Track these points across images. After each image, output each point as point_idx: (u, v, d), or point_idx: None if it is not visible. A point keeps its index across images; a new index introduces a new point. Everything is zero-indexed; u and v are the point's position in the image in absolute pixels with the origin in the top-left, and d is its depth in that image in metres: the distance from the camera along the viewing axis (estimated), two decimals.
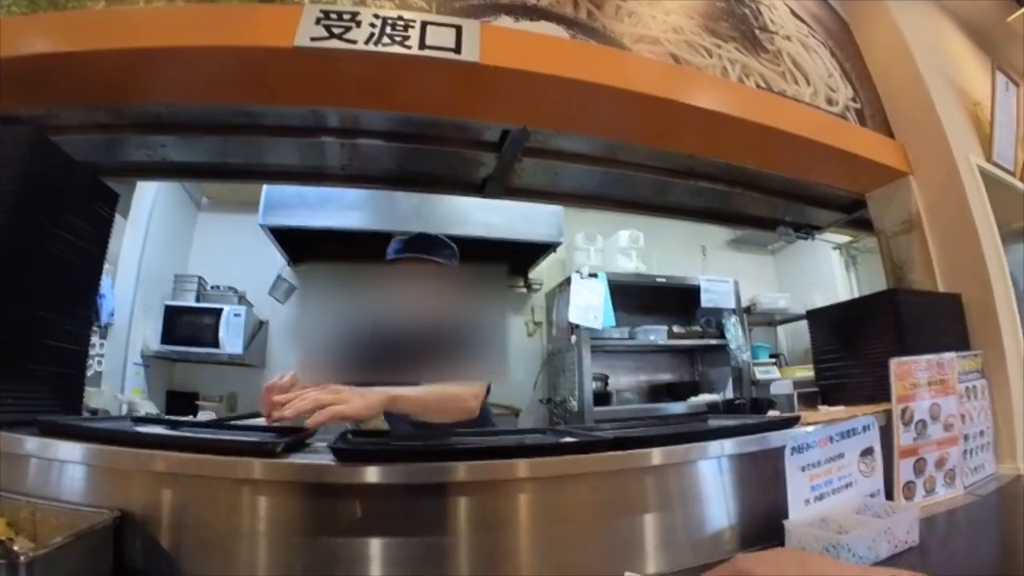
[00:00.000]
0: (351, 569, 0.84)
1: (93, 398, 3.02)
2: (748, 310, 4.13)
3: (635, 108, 1.49)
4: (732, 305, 3.79)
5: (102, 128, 1.55)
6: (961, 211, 1.86)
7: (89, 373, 3.07)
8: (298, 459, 0.93)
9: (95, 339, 3.20)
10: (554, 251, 3.65)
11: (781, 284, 4.74)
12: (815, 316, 1.91)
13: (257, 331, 3.84)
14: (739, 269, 4.35)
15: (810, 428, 1.18)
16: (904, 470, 1.31)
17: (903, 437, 1.33)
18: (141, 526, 0.88)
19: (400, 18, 1.30)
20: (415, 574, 0.85)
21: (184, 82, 1.38)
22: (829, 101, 1.97)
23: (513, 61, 1.32)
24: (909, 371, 1.37)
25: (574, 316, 3.44)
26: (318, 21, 1.27)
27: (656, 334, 3.81)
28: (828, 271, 4.38)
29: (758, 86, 1.80)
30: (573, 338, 3.53)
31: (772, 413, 1.75)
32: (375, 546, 0.86)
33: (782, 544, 1.00)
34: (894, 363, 1.35)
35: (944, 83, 2.13)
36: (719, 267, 4.40)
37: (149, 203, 3.45)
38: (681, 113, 1.52)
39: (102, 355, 3.18)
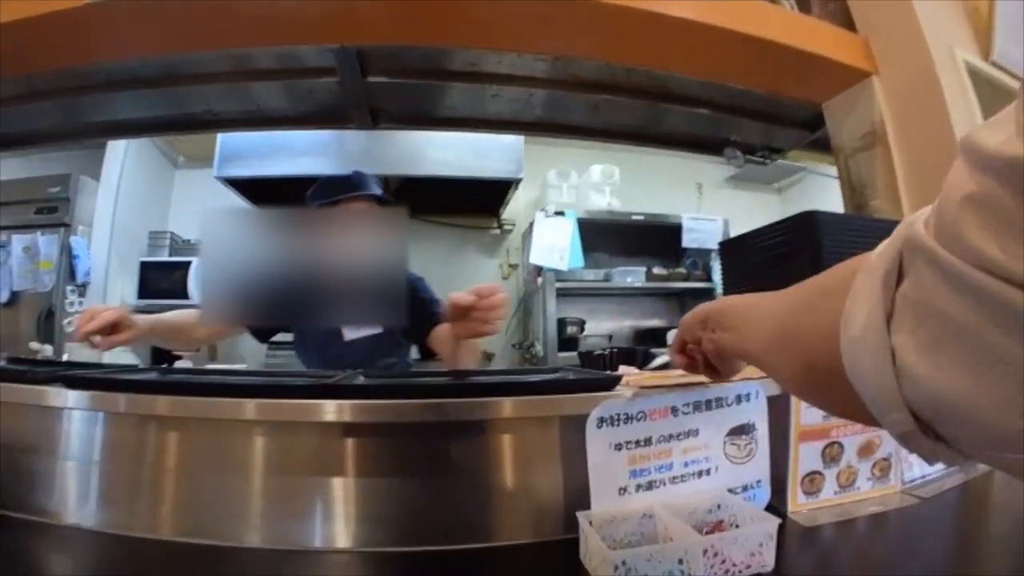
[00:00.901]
0: None
1: (75, 352, 3.15)
2: None
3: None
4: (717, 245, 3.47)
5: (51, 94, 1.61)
6: (937, 119, 1.47)
7: (69, 329, 3.21)
8: None
9: (73, 297, 3.30)
10: (515, 188, 3.45)
11: None
12: (727, 249, 1.60)
13: None
14: (739, 208, 4.01)
15: (631, 393, 0.84)
16: (806, 457, 0.98)
17: (805, 413, 0.97)
18: None
19: None
20: None
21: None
22: None
23: None
24: None
25: (536, 257, 3.26)
26: None
27: (633, 276, 3.57)
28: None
29: None
30: (540, 280, 3.34)
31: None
32: None
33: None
34: None
35: None
36: (717, 206, 4.07)
37: (119, 165, 3.53)
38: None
39: (82, 312, 3.25)
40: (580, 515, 0.75)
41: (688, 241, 3.49)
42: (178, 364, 3.55)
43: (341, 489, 0.79)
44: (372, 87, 1.63)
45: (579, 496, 0.78)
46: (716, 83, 1.69)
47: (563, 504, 0.80)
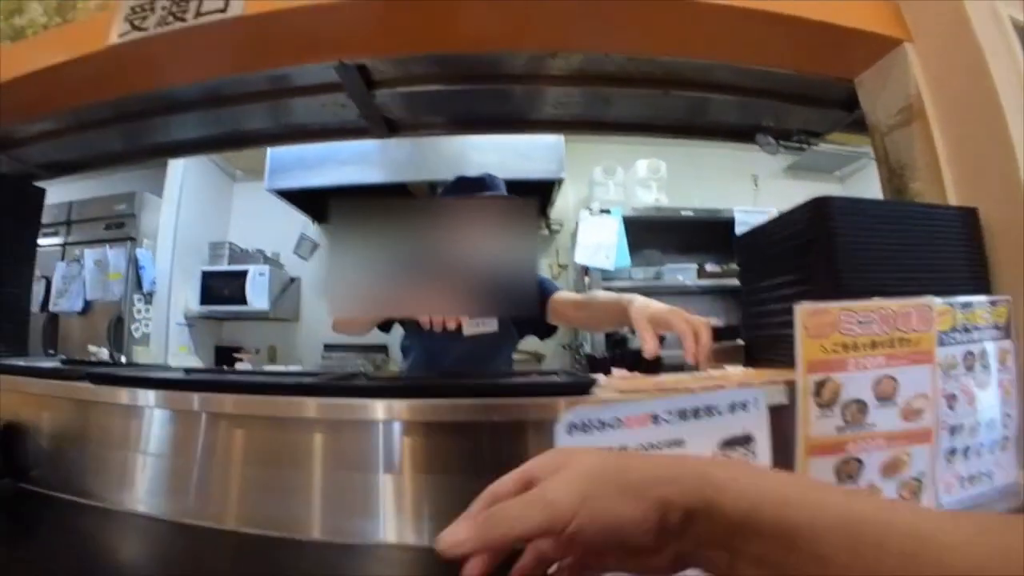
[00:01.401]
0: None
1: (142, 355, 3.42)
2: None
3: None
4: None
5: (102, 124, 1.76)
6: (980, 86, 1.25)
7: (137, 335, 3.43)
8: None
9: (140, 305, 3.52)
10: (558, 187, 3.40)
11: None
12: (744, 243, 1.44)
13: (287, 288, 4.15)
14: (798, 199, 3.64)
15: (606, 399, 0.82)
16: (817, 474, 0.87)
17: (816, 424, 0.87)
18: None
19: None
20: None
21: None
22: None
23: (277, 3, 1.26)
24: (833, 323, 0.88)
25: (581, 257, 3.19)
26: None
27: (684, 273, 3.43)
28: None
29: None
30: (587, 280, 3.26)
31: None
32: None
33: None
34: (802, 310, 0.88)
35: None
36: (775, 198, 3.81)
37: (178, 182, 3.78)
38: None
39: (148, 318, 3.60)
40: None
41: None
42: (238, 365, 3.74)
43: (395, 485, 0.84)
44: (381, 98, 1.65)
45: None
46: (740, 67, 1.56)
47: None
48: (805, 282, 1.07)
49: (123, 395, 1.04)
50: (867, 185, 3.83)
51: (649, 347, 1.23)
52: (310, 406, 0.88)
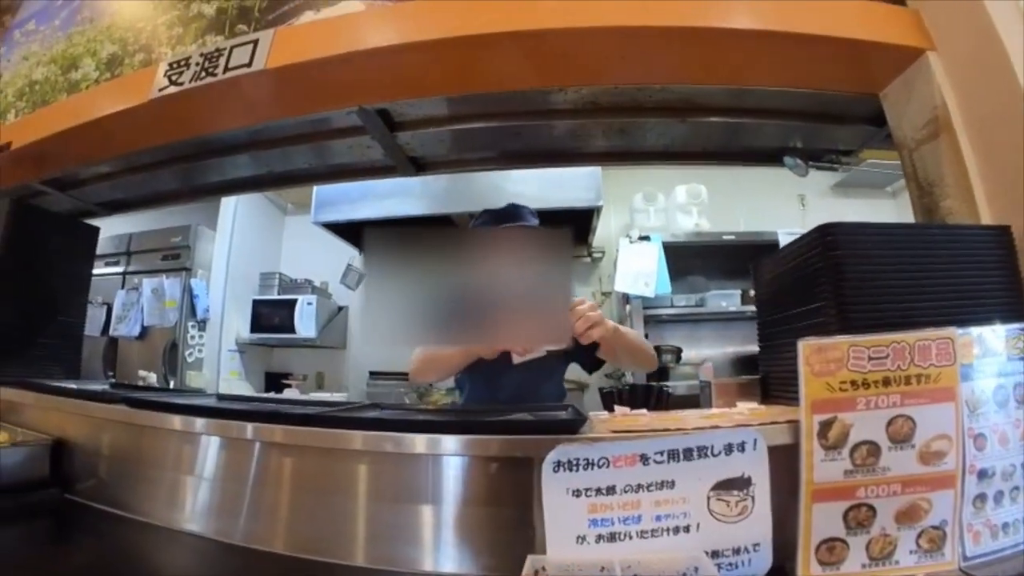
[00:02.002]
0: None
1: (194, 379, 3.61)
2: None
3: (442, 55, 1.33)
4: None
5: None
6: (1007, 92, 1.16)
7: (191, 360, 3.62)
8: None
9: (194, 331, 3.72)
10: (597, 215, 3.39)
11: None
12: (761, 270, 1.38)
13: (334, 316, 4.28)
14: (849, 217, 3.47)
15: (595, 438, 0.81)
16: (823, 520, 0.80)
17: (821, 467, 0.80)
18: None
19: (216, 50, 1.40)
20: None
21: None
22: None
23: (297, 55, 1.34)
24: (840, 359, 0.83)
25: (621, 284, 3.16)
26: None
27: (728, 299, 3.33)
28: None
29: None
30: (627, 308, 3.21)
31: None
32: None
33: None
34: (805, 346, 0.84)
35: None
36: (823, 218, 3.60)
37: (231, 216, 4.00)
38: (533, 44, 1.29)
39: (202, 344, 3.77)
40: (530, 559, 0.71)
41: None
42: (286, 391, 3.86)
43: (435, 515, 0.86)
44: (404, 139, 1.70)
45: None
46: (765, 89, 1.52)
47: (518, 547, 0.78)
48: (814, 315, 1.03)
49: (159, 419, 1.13)
50: None
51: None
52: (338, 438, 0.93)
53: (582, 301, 1.37)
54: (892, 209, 3.93)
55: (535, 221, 1.71)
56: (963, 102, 1.28)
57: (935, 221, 1.31)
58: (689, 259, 3.42)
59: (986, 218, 1.19)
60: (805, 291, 1.08)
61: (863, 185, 3.87)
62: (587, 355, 1.62)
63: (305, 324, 3.89)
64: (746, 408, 1.07)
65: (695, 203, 3.53)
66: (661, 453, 0.77)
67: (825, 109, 1.62)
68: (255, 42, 1.36)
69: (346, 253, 4.16)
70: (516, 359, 1.58)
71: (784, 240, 3.19)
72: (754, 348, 3.54)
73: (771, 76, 1.46)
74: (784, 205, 3.92)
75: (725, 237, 3.42)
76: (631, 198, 3.72)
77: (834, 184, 3.95)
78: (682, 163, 1.91)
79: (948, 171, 1.29)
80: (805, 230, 2.84)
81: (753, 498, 0.78)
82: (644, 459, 0.76)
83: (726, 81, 1.49)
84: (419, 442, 0.87)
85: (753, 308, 3.24)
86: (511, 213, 1.70)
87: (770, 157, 1.88)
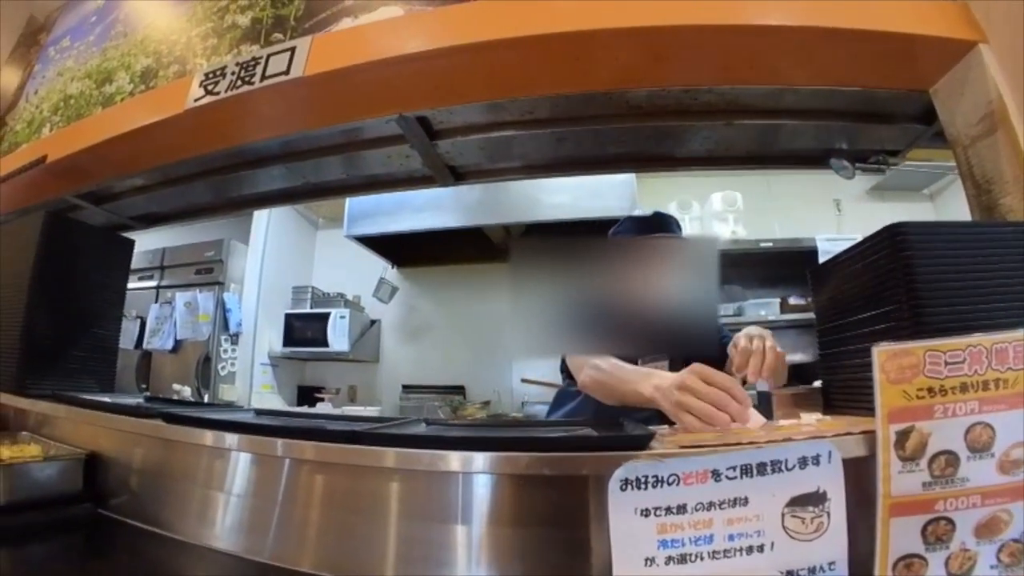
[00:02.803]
0: None
1: (227, 392, 3.64)
2: None
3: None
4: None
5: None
6: None
7: (223, 373, 3.67)
8: None
9: (227, 345, 3.76)
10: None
11: None
12: (817, 278, 1.31)
13: (367, 330, 4.28)
14: (887, 222, 3.40)
15: (663, 454, 0.75)
16: (900, 536, 0.76)
17: (899, 480, 0.76)
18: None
19: (253, 58, 1.40)
20: None
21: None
22: None
23: (336, 62, 1.32)
24: (916, 365, 0.78)
25: None
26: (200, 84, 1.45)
27: (767, 308, 3.25)
28: None
29: None
30: None
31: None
32: None
33: None
34: (880, 353, 0.78)
35: None
36: (860, 222, 3.55)
37: (263, 230, 4.04)
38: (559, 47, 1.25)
39: (234, 358, 3.82)
40: None
41: None
42: (319, 405, 3.86)
43: (467, 536, 0.82)
44: (443, 147, 1.65)
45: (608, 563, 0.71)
46: (808, 89, 1.47)
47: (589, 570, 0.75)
48: (884, 320, 0.97)
49: (194, 435, 1.11)
50: (960, 201, 3.48)
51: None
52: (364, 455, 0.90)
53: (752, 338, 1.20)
54: (930, 212, 3.82)
55: (681, 231, 1.67)
56: (1020, 94, 1.22)
57: (995, 219, 1.25)
58: (726, 268, 3.28)
59: None
60: (873, 295, 1.02)
61: (900, 188, 3.75)
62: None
63: (338, 338, 3.90)
64: (814, 419, 1.02)
65: (731, 210, 3.47)
66: (733, 468, 0.72)
67: (871, 108, 1.54)
68: (292, 49, 1.35)
69: (378, 266, 4.20)
70: None
71: (822, 246, 3.13)
72: (794, 357, 3.43)
73: (816, 75, 1.40)
74: (820, 210, 3.81)
75: (762, 244, 3.34)
76: (666, 207, 3.63)
77: (870, 188, 3.82)
78: (726, 168, 1.84)
79: (1007, 167, 1.22)
80: (842, 235, 2.74)
81: (829, 514, 0.74)
82: (716, 475, 0.72)
83: (771, 81, 1.43)
84: (472, 460, 0.82)
85: (792, 316, 3.19)
86: (658, 222, 1.66)
87: (815, 159, 1.81)
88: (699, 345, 1.18)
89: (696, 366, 1.03)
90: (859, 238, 1.14)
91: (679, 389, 1.00)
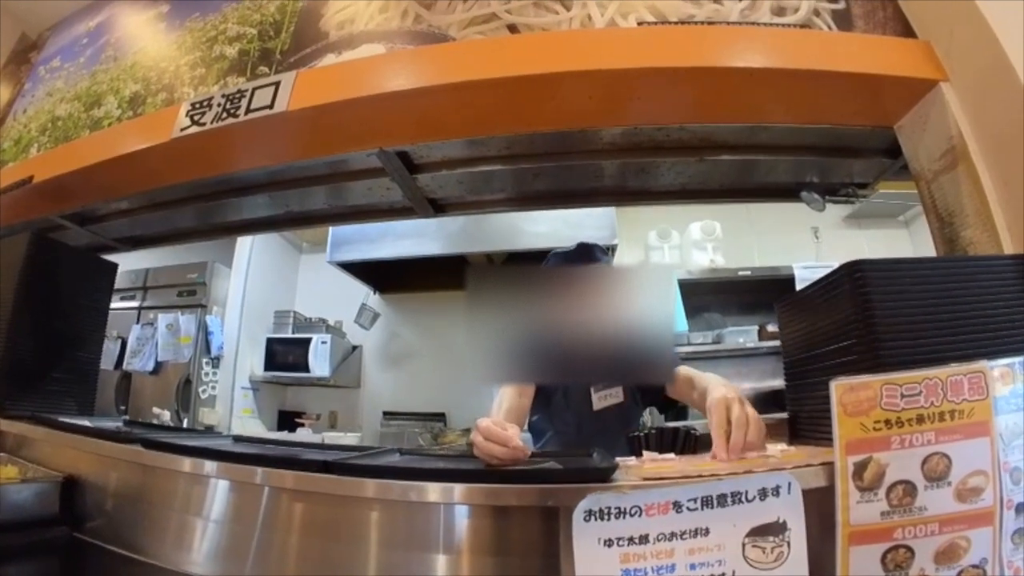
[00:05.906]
0: None
1: (207, 416, 3.59)
2: None
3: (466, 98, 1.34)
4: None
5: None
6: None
7: (204, 396, 3.63)
8: None
9: (208, 368, 3.71)
10: (611, 253, 3.36)
11: None
12: (783, 311, 1.35)
13: (348, 356, 4.26)
14: (863, 249, 3.61)
15: (626, 486, 0.76)
16: (861, 564, 0.78)
17: (858, 509, 0.79)
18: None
19: (239, 91, 1.44)
20: None
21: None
22: (778, 11, 1.45)
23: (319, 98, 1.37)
24: (873, 398, 0.82)
25: None
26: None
27: (745, 335, 3.29)
28: None
29: (645, 23, 1.43)
30: None
31: None
32: None
33: None
34: (837, 386, 0.83)
35: None
36: (837, 250, 3.69)
37: (247, 254, 4.04)
38: (524, 90, 1.31)
39: (215, 381, 3.78)
40: None
41: None
42: (299, 430, 3.82)
43: (435, 564, 0.83)
44: (423, 181, 1.70)
45: None
46: (780, 126, 1.53)
47: None
48: (845, 353, 1.00)
49: (173, 461, 1.12)
50: None
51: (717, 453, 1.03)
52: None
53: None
54: (905, 238, 3.88)
55: (609, 259, 1.71)
56: (979, 131, 1.28)
57: (956, 252, 1.30)
58: (705, 296, 3.39)
59: (1008, 247, 1.18)
60: (833, 330, 1.05)
61: (875, 215, 3.83)
62: (660, 398, 1.58)
63: (319, 363, 3.87)
64: (777, 450, 1.04)
65: (710, 239, 3.52)
66: (695, 500, 0.75)
67: (840, 143, 1.62)
68: (277, 84, 1.39)
69: (361, 292, 4.20)
70: (597, 405, 1.55)
71: (800, 274, 3.19)
72: (773, 384, 3.46)
73: (787, 113, 1.47)
74: (798, 238, 3.89)
75: (740, 273, 3.39)
76: (645, 236, 3.71)
77: (847, 216, 3.91)
78: (699, 201, 1.90)
79: (967, 201, 1.28)
80: (820, 263, 2.79)
81: (789, 543, 0.76)
82: (677, 507, 0.75)
83: (743, 119, 1.49)
84: (439, 491, 0.84)
85: (770, 344, 3.24)
86: (584, 253, 1.69)
87: (787, 192, 1.87)
88: (656, 371, 1.20)
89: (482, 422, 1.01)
90: (836, 265, 1.19)
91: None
